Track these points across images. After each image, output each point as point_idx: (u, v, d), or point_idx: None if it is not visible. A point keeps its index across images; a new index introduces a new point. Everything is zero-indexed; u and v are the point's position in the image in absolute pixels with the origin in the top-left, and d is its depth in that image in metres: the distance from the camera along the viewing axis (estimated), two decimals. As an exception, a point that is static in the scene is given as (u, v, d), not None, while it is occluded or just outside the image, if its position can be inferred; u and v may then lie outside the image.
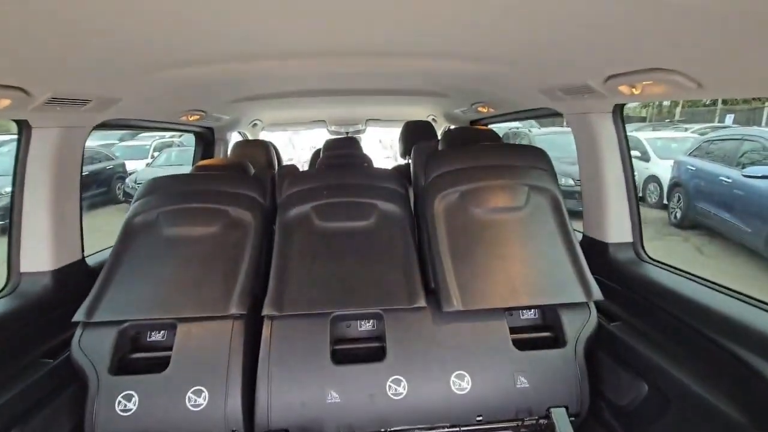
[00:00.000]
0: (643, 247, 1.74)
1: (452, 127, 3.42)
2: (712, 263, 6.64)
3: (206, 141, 3.11)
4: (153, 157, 13.37)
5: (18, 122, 1.49)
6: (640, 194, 10.93)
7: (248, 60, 1.30)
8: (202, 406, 1.39)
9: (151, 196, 1.77)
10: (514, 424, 1.43)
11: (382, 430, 1.41)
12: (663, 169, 9.80)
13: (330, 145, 2.81)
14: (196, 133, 3.03)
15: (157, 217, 1.70)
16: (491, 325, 1.53)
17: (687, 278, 1.53)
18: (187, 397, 1.39)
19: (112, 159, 12.01)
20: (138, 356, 1.51)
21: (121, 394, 1.38)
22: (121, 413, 1.36)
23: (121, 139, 15.96)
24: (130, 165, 12.33)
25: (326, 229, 1.72)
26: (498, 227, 1.66)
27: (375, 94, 2.54)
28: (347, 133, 4.12)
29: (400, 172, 2.61)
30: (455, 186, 1.72)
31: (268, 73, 1.51)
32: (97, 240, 2.08)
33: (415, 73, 1.74)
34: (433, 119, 3.70)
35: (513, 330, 1.56)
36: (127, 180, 11.20)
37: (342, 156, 2.62)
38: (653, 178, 10.70)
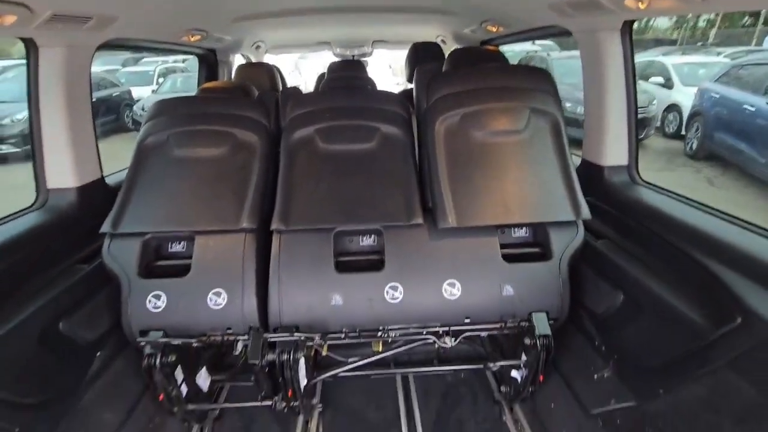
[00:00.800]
0: (637, 171, 1.78)
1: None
2: (722, 194, 6.62)
3: (209, 63, 3.06)
4: (158, 83, 13.05)
5: (25, 43, 1.51)
6: (658, 124, 10.51)
7: None
8: (222, 306, 1.58)
9: (160, 118, 1.83)
10: (498, 325, 1.60)
11: (380, 328, 1.60)
12: (686, 97, 9.33)
13: (334, 67, 2.76)
14: (199, 56, 2.98)
15: (167, 139, 1.77)
16: (483, 241, 1.65)
17: (677, 200, 1.59)
18: (208, 298, 1.58)
19: (118, 86, 11.79)
20: (162, 264, 1.68)
21: (151, 294, 1.57)
22: (153, 310, 1.56)
23: (124, 65, 15.42)
24: (135, 92, 12.11)
25: (329, 151, 1.78)
26: (497, 149, 1.70)
27: (381, 11, 2.44)
28: (353, 56, 3.99)
29: (406, 95, 2.58)
30: (456, 108, 1.73)
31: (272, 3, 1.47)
32: (115, 165, 2.18)
33: None
34: (442, 40, 3.54)
35: (504, 246, 1.68)
36: (134, 107, 11.10)
37: (346, 78, 2.59)
38: (674, 107, 10.24)
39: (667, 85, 10.83)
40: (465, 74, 1.86)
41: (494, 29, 2.45)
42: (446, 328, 1.59)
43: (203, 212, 1.64)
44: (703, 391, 1.18)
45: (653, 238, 1.50)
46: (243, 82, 2.46)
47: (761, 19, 21.25)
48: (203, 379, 1.75)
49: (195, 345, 1.55)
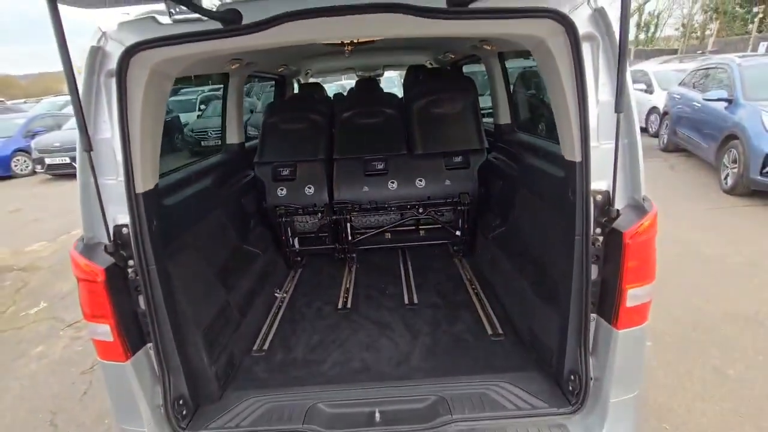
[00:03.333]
0: (515, 124, 3.45)
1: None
2: (675, 175, 8.07)
3: (280, 84, 4.93)
4: (200, 109, 15.17)
5: (224, 75, 3.33)
6: (643, 125, 11.90)
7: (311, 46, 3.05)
8: (311, 193, 3.32)
9: (273, 110, 3.63)
10: (444, 200, 3.28)
11: (385, 203, 3.31)
12: (663, 100, 10.63)
13: (359, 82, 4.58)
14: (275, 80, 4.86)
15: (278, 120, 3.56)
16: (436, 161, 3.36)
17: (529, 135, 3.25)
18: (305, 190, 3.32)
19: (171, 111, 13.90)
20: (281, 176, 3.44)
21: (278, 188, 3.33)
22: (280, 195, 3.32)
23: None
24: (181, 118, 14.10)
25: (360, 123, 3.54)
26: (443, 117, 3.41)
27: (388, 48, 4.21)
28: (370, 76, 5.82)
29: None
30: (422, 99, 3.47)
31: (320, 49, 3.26)
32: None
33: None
34: (429, 63, 5.33)
35: (446, 164, 3.38)
36: (185, 130, 13.19)
37: (366, 89, 4.39)
38: (654, 110, 11.65)
39: (649, 90, 12.25)
40: (429, 80, 3.60)
41: (452, 56, 4.21)
42: (417, 202, 3.30)
43: (300, 152, 3.42)
44: (518, 207, 2.82)
45: (515, 154, 3.16)
46: (309, 94, 4.28)
47: (755, 27, 22.48)
48: (296, 243, 3.49)
49: (300, 211, 3.29)
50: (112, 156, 1.64)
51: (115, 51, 1.55)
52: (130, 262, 1.72)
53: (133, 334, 1.77)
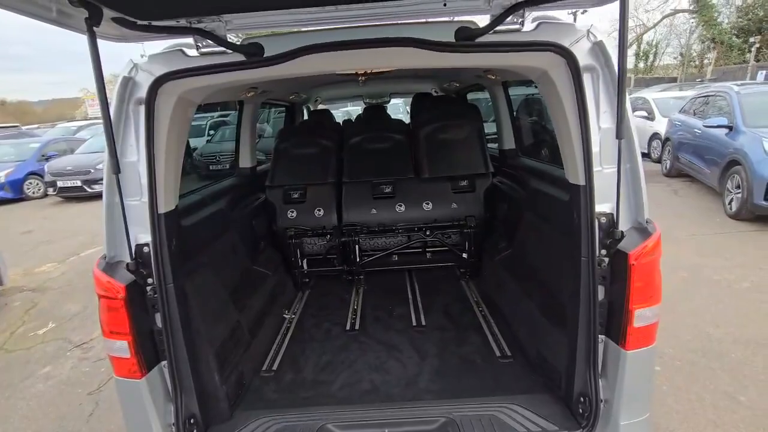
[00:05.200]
0: (519, 149, 3.53)
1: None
2: (679, 200, 8.10)
3: (291, 111, 5.10)
4: (209, 134, 15.51)
5: (239, 102, 3.47)
6: (645, 151, 12.01)
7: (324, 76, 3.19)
8: (321, 216, 3.39)
9: (285, 136, 3.76)
10: (450, 223, 3.34)
11: (394, 226, 3.37)
12: (664, 127, 10.81)
13: (366, 109, 4.73)
14: (286, 107, 5.03)
15: (290, 145, 3.68)
16: (442, 185, 3.44)
17: (533, 159, 3.33)
18: (314, 212, 3.40)
19: (180, 137, 14.24)
20: (292, 199, 3.52)
21: (289, 210, 3.40)
22: (290, 217, 3.39)
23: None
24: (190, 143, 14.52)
25: (368, 147, 3.65)
26: (449, 142, 3.52)
27: (395, 76, 4.38)
28: (377, 102, 6.00)
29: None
30: (430, 125, 3.58)
31: (332, 78, 3.41)
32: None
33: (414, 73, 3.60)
34: (435, 91, 5.50)
35: (453, 188, 3.45)
36: (194, 154, 13.48)
37: (374, 115, 4.53)
38: (656, 136, 11.80)
39: (650, 117, 12.44)
40: (434, 106, 3.72)
41: (457, 84, 4.37)
42: (424, 225, 3.35)
43: (310, 176, 3.51)
44: (524, 230, 2.87)
45: (520, 178, 3.24)
46: (319, 120, 4.43)
47: (752, 56, 22.96)
48: (305, 265, 3.54)
49: (310, 233, 3.36)
50: (137, 178, 1.73)
51: (144, 81, 1.66)
52: (149, 281, 1.78)
53: (148, 352, 1.81)
